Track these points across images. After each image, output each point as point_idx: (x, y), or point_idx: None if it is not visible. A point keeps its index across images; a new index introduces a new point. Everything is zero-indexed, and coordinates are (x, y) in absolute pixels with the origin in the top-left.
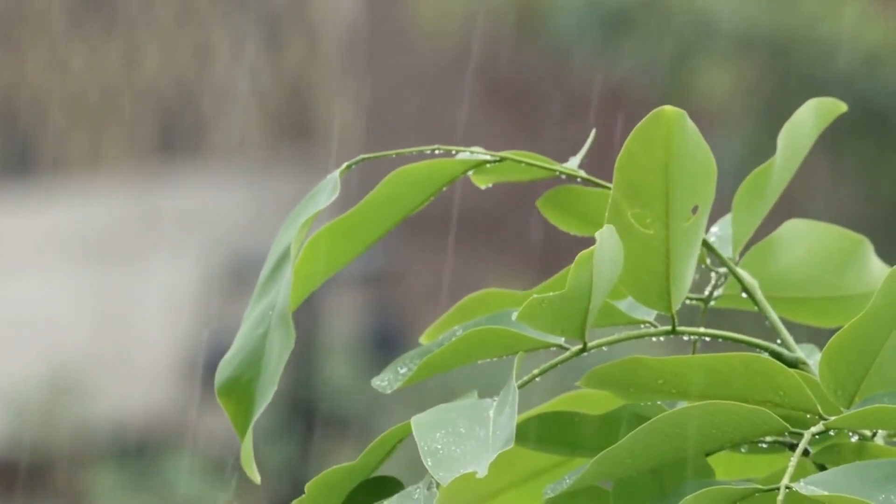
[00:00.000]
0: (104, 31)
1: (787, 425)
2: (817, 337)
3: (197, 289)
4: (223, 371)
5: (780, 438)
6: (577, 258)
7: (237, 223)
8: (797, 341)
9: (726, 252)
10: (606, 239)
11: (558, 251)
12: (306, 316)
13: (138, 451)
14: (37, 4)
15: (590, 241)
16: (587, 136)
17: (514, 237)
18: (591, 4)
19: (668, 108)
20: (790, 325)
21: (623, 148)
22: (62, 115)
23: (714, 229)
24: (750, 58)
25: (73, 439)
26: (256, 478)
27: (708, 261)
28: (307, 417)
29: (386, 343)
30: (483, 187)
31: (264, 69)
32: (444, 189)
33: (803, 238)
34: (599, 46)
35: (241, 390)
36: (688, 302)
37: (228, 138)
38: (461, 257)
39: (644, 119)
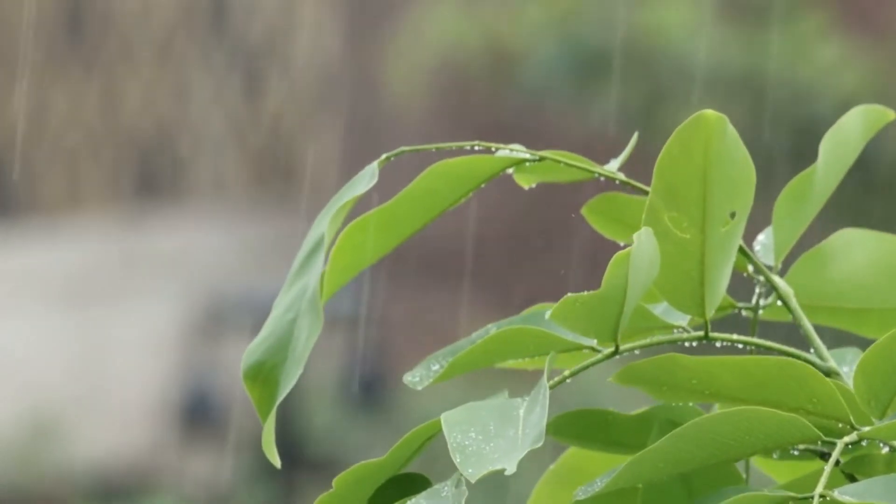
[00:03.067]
0: (84, 73)
1: (821, 434)
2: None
3: (176, 331)
4: (249, 356)
5: (812, 446)
6: (613, 258)
7: (216, 265)
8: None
9: (769, 260)
10: (644, 241)
11: (538, 290)
12: None
13: (116, 494)
14: (16, 45)
15: (597, 262)
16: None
17: (495, 277)
18: (565, 50)
19: (709, 111)
20: (844, 335)
21: (663, 151)
22: (41, 156)
23: (760, 237)
24: (725, 101)
25: (50, 481)
26: (277, 462)
27: (750, 268)
28: (289, 459)
29: (367, 384)
30: (526, 187)
31: (243, 111)
32: (483, 185)
33: (860, 248)
34: (574, 92)
35: (266, 375)
36: (743, 313)
37: (208, 180)
38: (441, 298)
39: (684, 122)
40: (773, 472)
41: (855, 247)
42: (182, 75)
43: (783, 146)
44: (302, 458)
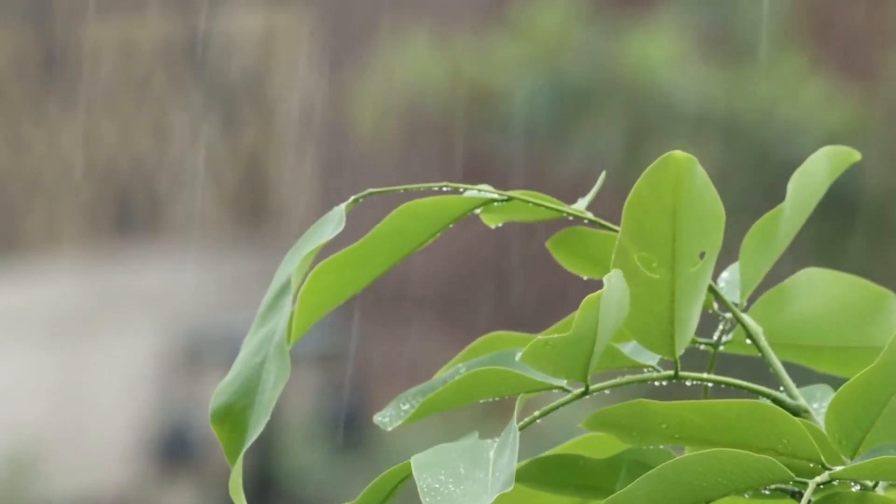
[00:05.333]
0: (61, 110)
1: (793, 475)
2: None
3: (154, 367)
4: (218, 398)
5: (783, 486)
6: (583, 301)
7: (194, 302)
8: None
9: (734, 297)
10: (614, 284)
11: (516, 325)
12: None
13: None
14: None
15: (568, 297)
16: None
17: (473, 314)
18: (545, 88)
19: (678, 152)
20: (807, 371)
21: (632, 191)
22: (18, 193)
23: (724, 275)
24: (708, 140)
25: None
26: None
27: (715, 306)
28: (266, 497)
29: (345, 422)
30: (493, 226)
31: (221, 148)
32: (451, 226)
33: (821, 287)
34: (554, 130)
35: (234, 418)
36: (701, 348)
37: (185, 217)
38: (421, 335)
39: (654, 163)
40: None
41: (817, 285)
42: (159, 113)
43: (763, 185)
44: (279, 497)
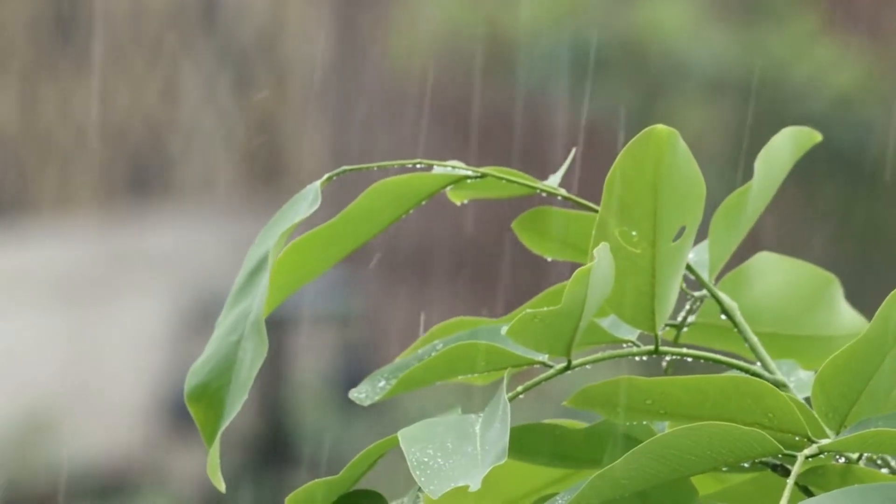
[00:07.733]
0: (73, 71)
1: (781, 447)
2: None
3: (167, 329)
4: (193, 377)
5: (765, 459)
6: (574, 274)
7: (207, 263)
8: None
9: (703, 276)
10: (603, 257)
11: (531, 290)
12: (276, 356)
13: (108, 491)
14: (5, 44)
15: (561, 267)
16: (555, 173)
17: (487, 276)
18: (565, 43)
19: (660, 126)
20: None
21: (613, 165)
22: (30, 154)
23: (690, 256)
24: (721, 100)
25: (42, 479)
26: (221, 486)
27: (684, 284)
28: (277, 459)
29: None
30: (459, 203)
31: (234, 109)
32: (424, 203)
33: (774, 272)
34: (572, 85)
35: (210, 397)
36: (684, 323)
37: (198, 179)
38: (435, 297)
39: (635, 137)
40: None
41: (771, 271)
42: (172, 74)
43: None
44: (293, 457)
